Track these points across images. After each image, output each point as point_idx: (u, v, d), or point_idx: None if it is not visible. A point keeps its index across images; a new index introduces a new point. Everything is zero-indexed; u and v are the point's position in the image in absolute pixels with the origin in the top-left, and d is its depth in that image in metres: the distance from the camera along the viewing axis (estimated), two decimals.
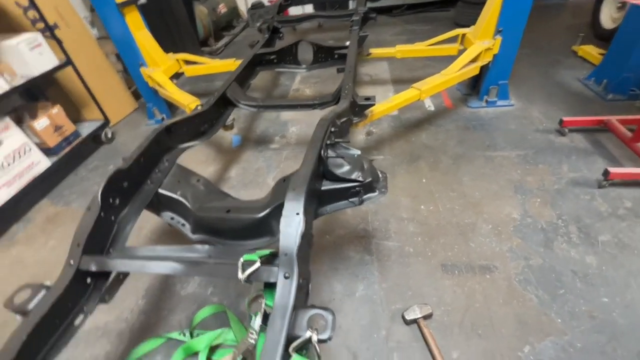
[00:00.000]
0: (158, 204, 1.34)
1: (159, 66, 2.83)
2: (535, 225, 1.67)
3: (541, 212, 1.73)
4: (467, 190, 1.93)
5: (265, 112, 2.09)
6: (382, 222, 1.79)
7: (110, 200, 1.15)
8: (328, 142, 1.21)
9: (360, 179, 1.16)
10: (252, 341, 0.80)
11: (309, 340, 0.71)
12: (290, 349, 0.70)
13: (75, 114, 2.85)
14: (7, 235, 2.07)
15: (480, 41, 2.43)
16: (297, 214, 0.90)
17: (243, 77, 2.42)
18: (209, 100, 1.96)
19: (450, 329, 1.31)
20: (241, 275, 0.85)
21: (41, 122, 2.36)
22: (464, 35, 2.69)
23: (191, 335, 1.36)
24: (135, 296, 1.59)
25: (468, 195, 1.89)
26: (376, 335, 1.32)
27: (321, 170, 1.16)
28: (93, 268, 0.97)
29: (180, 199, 1.31)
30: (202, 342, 1.32)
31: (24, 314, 0.89)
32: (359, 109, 1.82)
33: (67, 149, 2.53)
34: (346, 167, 1.20)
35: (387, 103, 2.09)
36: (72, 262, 0.98)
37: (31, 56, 2.24)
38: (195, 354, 1.30)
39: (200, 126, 1.80)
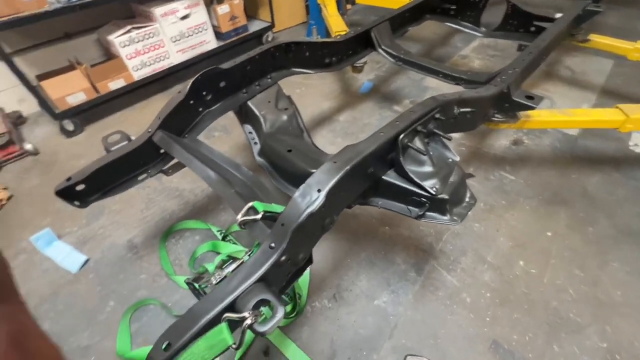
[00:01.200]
0: (243, 115, 1.39)
1: None
2: None
3: None
4: (605, 281, 1.31)
5: (402, 68, 1.80)
6: (457, 250, 1.44)
7: (204, 93, 1.24)
8: (420, 128, 0.93)
9: (432, 191, 0.88)
10: (213, 280, 0.79)
11: (242, 320, 0.63)
12: (223, 316, 0.65)
13: (250, 10, 3.13)
14: (167, 92, 2.63)
15: None
16: (319, 190, 0.75)
17: (402, 20, 2.10)
18: (348, 33, 1.80)
19: None
20: (239, 217, 0.81)
21: (223, 8, 2.70)
22: None
23: (224, 238, 1.49)
24: None
25: (602, 288, 1.29)
26: (365, 353, 1.16)
27: (391, 157, 0.93)
28: (156, 140, 1.10)
29: (261, 118, 1.31)
30: (226, 248, 1.44)
31: (107, 151, 1.11)
32: (510, 105, 1.34)
33: (234, 38, 2.87)
34: (425, 169, 0.93)
35: (561, 115, 1.49)
36: (149, 130, 1.13)
37: None
38: (217, 253, 1.44)
39: (325, 57, 1.69)
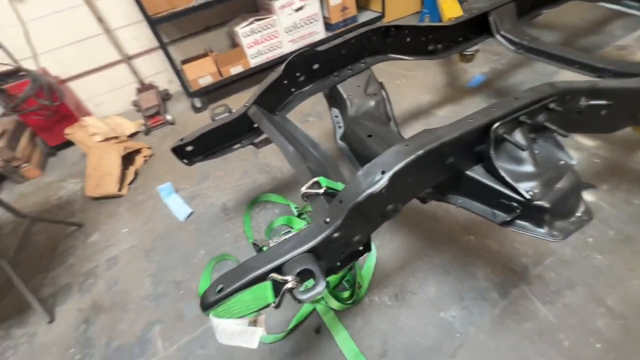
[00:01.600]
0: (332, 98, 1.41)
1: None
2: None
3: None
4: None
5: (526, 58, 1.51)
6: (561, 280, 1.16)
7: (297, 74, 1.31)
8: (524, 118, 0.77)
9: (527, 196, 0.72)
10: (271, 244, 0.83)
11: (284, 283, 0.65)
12: (270, 275, 0.68)
13: (362, 0, 3.13)
14: None
15: None
16: (383, 172, 0.70)
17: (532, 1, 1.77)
18: (461, 17, 1.61)
19: None
20: (302, 189, 0.83)
21: (336, 0, 2.78)
22: None
23: (299, 215, 1.57)
24: None
25: None
26: None
27: (479, 150, 0.80)
28: (250, 114, 1.22)
29: (347, 102, 1.31)
30: (299, 224, 1.51)
31: (212, 120, 1.29)
32: None
33: (342, 29, 2.93)
34: (523, 168, 0.77)
35: None
36: (246, 104, 1.25)
37: None
38: (291, 227, 1.53)
39: (430, 43, 1.56)
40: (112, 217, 1.89)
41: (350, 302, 1.22)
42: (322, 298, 1.22)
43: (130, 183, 2.10)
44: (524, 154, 0.77)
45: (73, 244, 1.78)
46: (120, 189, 2.01)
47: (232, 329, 0.69)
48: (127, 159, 2.21)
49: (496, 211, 0.81)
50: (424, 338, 1.11)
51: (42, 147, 2.55)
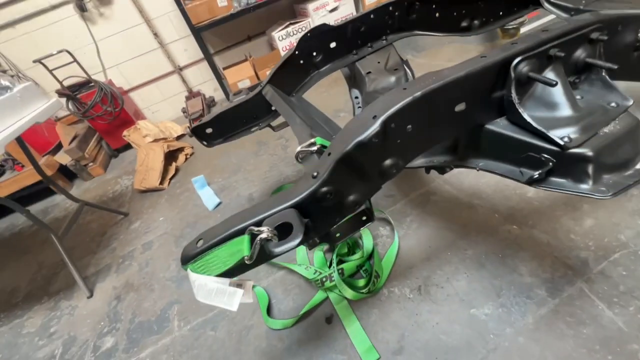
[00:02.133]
0: (351, 79, 1.35)
1: None
2: None
3: None
4: None
5: None
6: (634, 279, 0.91)
7: (314, 54, 1.28)
8: (556, 52, 0.63)
9: (561, 142, 0.58)
10: None
11: (257, 234, 0.59)
12: (248, 230, 0.63)
13: None
14: None
15: None
16: (374, 117, 0.62)
17: None
18: None
19: None
20: (297, 148, 0.78)
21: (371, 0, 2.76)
22: None
23: None
24: None
25: None
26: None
27: (499, 96, 0.67)
28: (266, 94, 1.21)
29: (365, 78, 1.24)
30: None
31: (230, 101, 1.31)
32: None
33: None
34: (557, 113, 0.63)
35: None
36: (261, 84, 1.26)
37: None
38: None
39: (463, 18, 1.43)
40: (153, 207, 2.03)
41: (365, 291, 1.10)
42: (335, 286, 1.13)
43: (172, 178, 2.25)
44: (558, 95, 0.62)
45: (118, 230, 1.94)
46: (161, 183, 2.16)
47: (210, 286, 0.65)
48: (171, 157, 2.38)
49: (524, 169, 0.66)
50: (449, 337, 0.94)
51: (106, 149, 2.89)
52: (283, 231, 0.61)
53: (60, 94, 2.46)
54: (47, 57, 2.25)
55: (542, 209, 1.16)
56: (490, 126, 0.70)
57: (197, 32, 2.40)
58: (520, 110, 0.63)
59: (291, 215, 0.62)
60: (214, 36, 2.83)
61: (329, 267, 1.20)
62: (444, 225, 1.26)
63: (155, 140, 2.44)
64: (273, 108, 1.30)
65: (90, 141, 2.75)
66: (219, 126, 1.29)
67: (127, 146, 2.83)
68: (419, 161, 0.94)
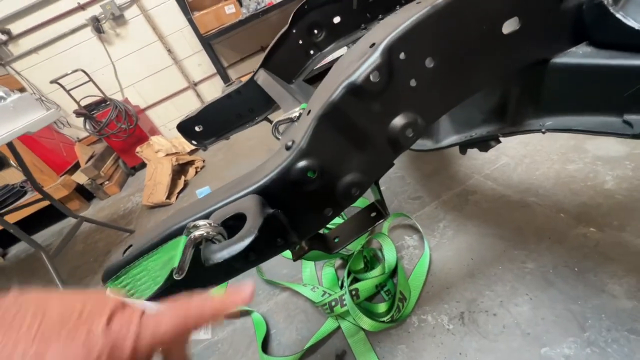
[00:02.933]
0: None
1: None
2: None
3: None
4: None
5: None
6: None
7: (315, 31, 1.09)
8: None
9: None
10: None
11: (193, 228, 0.38)
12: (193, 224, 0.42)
13: None
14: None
15: None
16: (372, 45, 0.40)
17: None
18: None
19: None
20: (275, 120, 0.57)
21: None
22: None
23: None
24: None
25: None
26: None
27: (575, 3, 0.42)
28: (260, 81, 1.03)
29: None
30: None
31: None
32: None
33: None
34: None
35: None
36: (255, 70, 1.08)
37: None
38: None
39: None
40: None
41: (388, 319, 0.83)
42: (349, 313, 0.87)
43: (180, 192, 2.12)
44: None
45: (122, 248, 1.81)
46: (169, 197, 2.03)
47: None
48: (181, 171, 2.27)
49: (631, 116, 0.39)
50: (503, 351, 0.65)
51: (123, 168, 2.87)
52: (238, 228, 0.39)
53: (77, 113, 2.48)
54: (63, 77, 2.27)
55: (632, 205, 0.85)
56: (561, 59, 0.44)
57: (207, 41, 2.35)
58: (620, 15, 0.38)
59: (247, 204, 0.40)
60: (226, 48, 2.78)
61: (341, 287, 0.95)
62: (490, 231, 0.97)
63: (167, 155, 2.36)
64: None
65: (107, 160, 2.74)
66: (209, 123, 1.12)
67: (143, 164, 2.79)
68: (451, 138, 0.69)
